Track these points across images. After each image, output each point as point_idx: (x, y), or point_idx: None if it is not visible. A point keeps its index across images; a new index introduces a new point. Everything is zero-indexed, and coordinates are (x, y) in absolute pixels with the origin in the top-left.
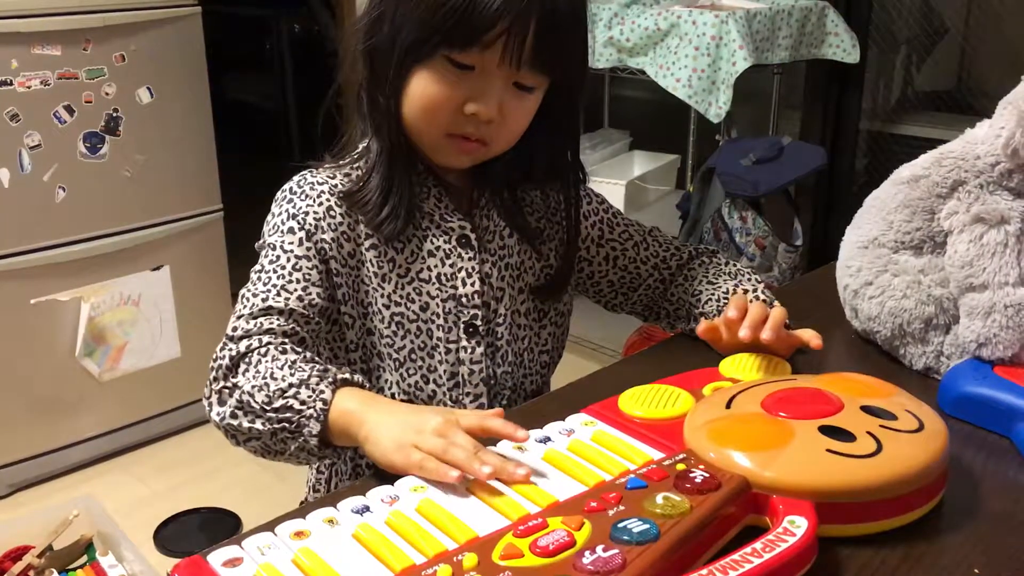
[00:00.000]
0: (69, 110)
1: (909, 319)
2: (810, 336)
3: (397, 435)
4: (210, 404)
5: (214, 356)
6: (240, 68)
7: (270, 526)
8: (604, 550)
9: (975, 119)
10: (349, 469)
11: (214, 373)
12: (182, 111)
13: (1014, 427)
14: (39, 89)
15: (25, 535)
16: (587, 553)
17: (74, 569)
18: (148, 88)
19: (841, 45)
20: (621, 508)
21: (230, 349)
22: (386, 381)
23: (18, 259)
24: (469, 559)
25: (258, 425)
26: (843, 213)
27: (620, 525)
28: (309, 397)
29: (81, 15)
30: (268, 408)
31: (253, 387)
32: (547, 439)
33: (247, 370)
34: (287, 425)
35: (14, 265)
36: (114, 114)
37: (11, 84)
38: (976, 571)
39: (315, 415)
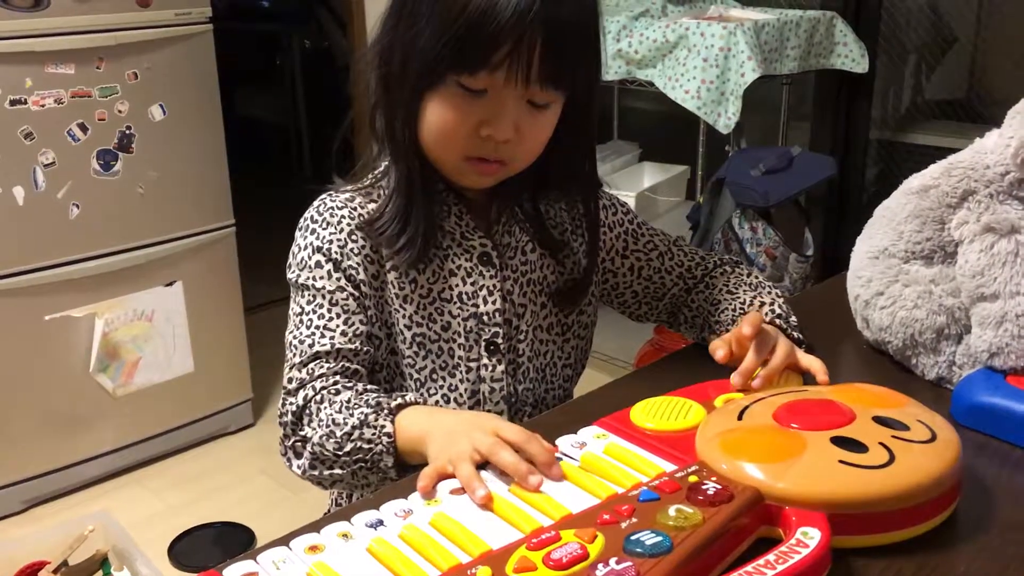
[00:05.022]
0: (83, 128)
1: (920, 329)
2: (817, 369)
3: (444, 445)
4: (288, 459)
5: (279, 412)
6: (251, 84)
7: (285, 540)
8: (617, 563)
9: (985, 128)
10: None
11: (283, 429)
12: (194, 127)
13: None
14: (53, 107)
15: (40, 550)
16: (600, 566)
17: None
18: (161, 105)
19: (850, 55)
20: (634, 520)
21: (290, 404)
22: None
23: (32, 276)
24: (483, 572)
25: (337, 471)
26: (853, 223)
27: (633, 538)
28: (374, 435)
29: (94, 34)
30: (341, 454)
31: (321, 437)
32: (560, 452)
33: (310, 420)
34: (364, 464)
35: (28, 282)
36: (127, 131)
37: (25, 103)
38: None
39: (385, 449)
